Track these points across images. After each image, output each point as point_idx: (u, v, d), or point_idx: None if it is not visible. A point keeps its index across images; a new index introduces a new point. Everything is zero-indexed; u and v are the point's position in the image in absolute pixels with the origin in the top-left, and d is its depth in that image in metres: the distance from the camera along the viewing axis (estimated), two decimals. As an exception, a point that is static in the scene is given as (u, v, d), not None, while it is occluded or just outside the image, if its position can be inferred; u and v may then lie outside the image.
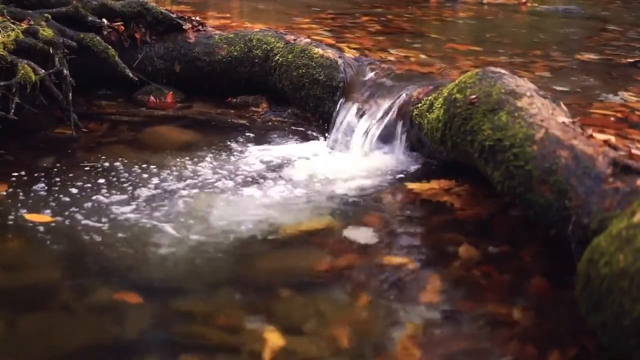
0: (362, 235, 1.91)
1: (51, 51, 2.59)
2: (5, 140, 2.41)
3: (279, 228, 1.92)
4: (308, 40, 2.99)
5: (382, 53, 3.25)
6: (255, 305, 1.58)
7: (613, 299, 1.20)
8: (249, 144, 2.58)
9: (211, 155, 2.44)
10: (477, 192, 2.10)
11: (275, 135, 2.69)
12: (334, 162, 2.44)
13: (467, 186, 2.16)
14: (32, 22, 2.67)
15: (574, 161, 1.59)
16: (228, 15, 4.37)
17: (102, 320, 1.51)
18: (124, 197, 2.06)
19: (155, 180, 2.20)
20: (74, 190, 2.09)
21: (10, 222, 1.88)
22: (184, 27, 3.10)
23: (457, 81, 2.11)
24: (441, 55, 3.33)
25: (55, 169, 2.25)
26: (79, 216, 1.92)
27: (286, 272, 1.74)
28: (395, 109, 2.46)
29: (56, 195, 2.05)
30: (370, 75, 2.75)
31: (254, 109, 2.97)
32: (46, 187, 2.10)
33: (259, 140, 2.62)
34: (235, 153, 2.48)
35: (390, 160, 2.41)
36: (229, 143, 2.57)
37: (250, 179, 2.25)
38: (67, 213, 1.94)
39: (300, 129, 2.78)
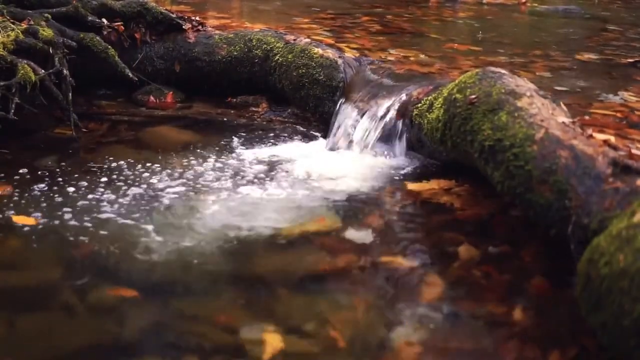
0: (362, 235, 1.91)
1: (51, 51, 2.59)
2: (5, 140, 2.40)
3: (279, 228, 1.92)
4: (308, 40, 2.99)
5: (382, 53, 3.25)
6: (255, 305, 1.57)
7: (613, 299, 1.20)
8: (249, 144, 2.58)
9: (211, 155, 2.44)
10: (477, 192, 2.10)
11: (275, 135, 2.69)
12: (334, 162, 2.44)
13: (467, 186, 2.16)
14: (32, 22, 2.67)
15: (574, 161, 1.59)
16: (228, 15, 4.37)
17: (101, 321, 1.51)
18: (124, 197, 2.06)
19: (156, 180, 2.20)
20: (74, 190, 2.08)
21: (3, 223, 1.88)
22: (183, 27, 3.10)
23: (457, 81, 2.11)
24: (441, 55, 3.33)
25: (56, 169, 2.25)
26: (79, 216, 1.92)
27: (286, 272, 1.74)
28: (395, 109, 2.45)
29: (56, 195, 2.05)
30: (370, 75, 2.75)
31: (254, 109, 2.97)
32: (46, 187, 2.10)
33: (259, 140, 2.62)
34: (235, 153, 2.48)
35: (390, 160, 2.41)
36: (229, 143, 2.57)
37: (250, 179, 2.25)
38: (67, 213, 1.94)
39: (300, 129, 2.78)
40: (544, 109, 1.84)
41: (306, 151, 2.53)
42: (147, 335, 1.46)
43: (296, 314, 1.55)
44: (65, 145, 2.51)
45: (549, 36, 4.42)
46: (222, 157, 2.43)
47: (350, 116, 2.57)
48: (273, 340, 1.42)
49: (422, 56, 3.26)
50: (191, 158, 2.40)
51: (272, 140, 2.63)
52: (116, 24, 2.97)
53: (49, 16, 2.77)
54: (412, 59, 3.17)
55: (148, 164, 2.31)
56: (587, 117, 2.31)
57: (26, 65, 2.46)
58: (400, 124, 2.43)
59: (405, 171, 2.34)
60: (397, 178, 2.29)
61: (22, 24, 2.65)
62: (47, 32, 2.63)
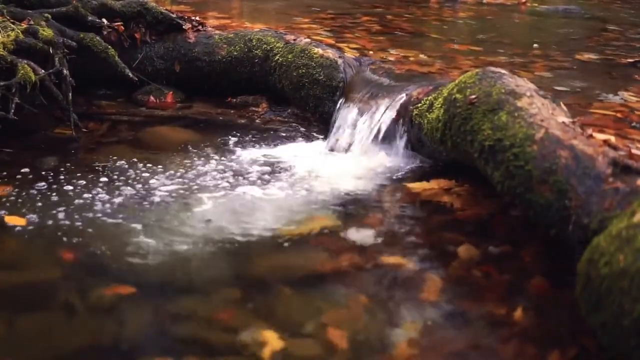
0: (362, 235, 1.91)
1: (51, 51, 2.59)
2: (5, 140, 2.40)
3: (279, 228, 1.92)
4: (308, 40, 2.99)
5: (382, 53, 3.25)
6: (254, 305, 1.57)
7: (613, 299, 1.20)
8: (249, 144, 2.58)
9: (211, 155, 2.44)
10: (477, 192, 2.10)
11: (275, 135, 2.69)
12: (333, 162, 2.44)
13: (467, 186, 2.16)
14: (32, 22, 2.67)
15: (574, 161, 1.59)
16: (228, 15, 4.37)
17: (101, 321, 1.51)
18: (124, 196, 2.06)
19: (156, 180, 2.19)
20: (74, 190, 2.08)
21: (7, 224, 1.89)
22: (183, 27, 3.10)
23: (457, 81, 2.11)
24: (441, 55, 3.33)
25: (56, 169, 2.25)
26: (79, 215, 1.92)
27: (286, 272, 1.74)
28: (395, 109, 2.45)
29: (56, 195, 2.05)
30: (370, 75, 2.75)
31: (254, 109, 2.97)
32: (46, 187, 2.10)
33: (258, 140, 2.62)
34: (235, 153, 2.48)
35: (390, 160, 2.41)
36: (229, 143, 2.57)
37: (250, 179, 2.25)
38: (68, 213, 1.94)
39: (300, 129, 2.78)
40: (544, 109, 1.84)
41: (306, 151, 2.53)
42: (146, 335, 1.46)
43: (296, 314, 1.55)
44: (65, 145, 2.51)
45: (549, 36, 4.42)
46: (222, 157, 2.44)
47: (350, 116, 2.57)
48: (273, 341, 1.42)
49: (422, 56, 3.26)
50: (191, 158, 2.40)
51: (272, 140, 2.63)
52: (116, 24, 2.97)
53: (49, 16, 2.77)
54: (412, 59, 3.17)
55: (148, 164, 2.31)
56: (587, 117, 2.31)
57: (26, 65, 2.46)
58: (400, 124, 2.43)
59: (405, 171, 2.34)
60: (397, 178, 2.29)
61: (22, 24, 2.65)
62: (47, 32, 2.63)
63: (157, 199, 2.06)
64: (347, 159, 2.45)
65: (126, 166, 2.29)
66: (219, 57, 3.04)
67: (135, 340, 1.45)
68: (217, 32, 3.15)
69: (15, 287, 1.63)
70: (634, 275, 1.17)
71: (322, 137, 2.66)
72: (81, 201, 2.02)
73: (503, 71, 2.07)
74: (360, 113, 2.54)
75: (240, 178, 2.25)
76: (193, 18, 3.24)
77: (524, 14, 5.60)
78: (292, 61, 2.88)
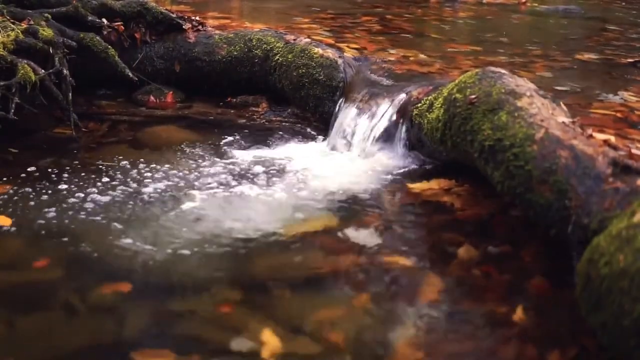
0: (362, 235, 1.91)
1: (51, 51, 2.59)
2: (5, 140, 2.41)
3: (279, 228, 1.92)
4: (308, 40, 2.99)
5: (382, 53, 3.24)
6: (254, 305, 1.57)
7: (613, 299, 1.20)
8: (249, 144, 2.58)
9: (211, 155, 2.44)
10: (477, 192, 2.10)
11: (275, 135, 2.69)
12: (333, 162, 2.44)
13: (467, 186, 2.16)
14: (32, 22, 2.67)
15: (574, 161, 1.59)
16: (228, 15, 4.37)
17: (100, 321, 1.51)
18: (124, 196, 2.06)
19: (155, 180, 2.19)
20: (74, 190, 2.08)
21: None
22: (184, 27, 3.10)
23: (457, 81, 2.11)
24: (441, 55, 3.33)
25: (56, 169, 2.25)
26: (79, 215, 1.92)
27: (286, 272, 1.74)
28: (395, 109, 2.45)
29: (56, 194, 2.05)
30: (370, 75, 2.75)
31: (253, 108, 2.97)
32: (46, 187, 2.10)
33: (258, 140, 2.62)
34: (235, 153, 2.48)
35: (390, 160, 2.41)
36: (229, 143, 2.57)
37: (250, 179, 2.25)
38: (69, 213, 1.94)
39: (300, 129, 2.78)
40: (544, 108, 1.84)
41: (306, 151, 2.53)
42: (146, 335, 1.46)
43: (296, 313, 1.55)
44: (66, 145, 2.51)
45: (549, 36, 4.42)
46: (223, 157, 2.44)
47: (350, 116, 2.57)
48: (272, 340, 1.42)
49: (422, 56, 3.26)
50: (192, 158, 2.40)
51: (272, 140, 2.63)
52: (116, 24, 2.97)
53: (49, 16, 2.77)
54: (412, 59, 3.17)
55: (148, 164, 2.31)
56: (587, 117, 2.31)
57: (26, 65, 2.46)
58: (400, 124, 2.43)
59: (405, 171, 2.34)
60: (397, 178, 2.29)
61: (22, 24, 2.65)
62: (47, 32, 2.63)
63: (157, 199, 2.06)
64: (347, 159, 2.45)
65: (127, 166, 2.29)
66: (219, 57, 3.04)
67: (134, 340, 1.45)
68: (217, 32, 3.15)
69: (15, 287, 1.63)
70: (634, 275, 1.17)
71: (322, 137, 2.66)
72: (81, 201, 2.02)
73: (503, 71, 2.07)
74: (360, 113, 2.54)
75: (241, 178, 2.25)
76: (193, 18, 3.24)
77: (524, 14, 5.59)
78: (292, 61, 2.88)
